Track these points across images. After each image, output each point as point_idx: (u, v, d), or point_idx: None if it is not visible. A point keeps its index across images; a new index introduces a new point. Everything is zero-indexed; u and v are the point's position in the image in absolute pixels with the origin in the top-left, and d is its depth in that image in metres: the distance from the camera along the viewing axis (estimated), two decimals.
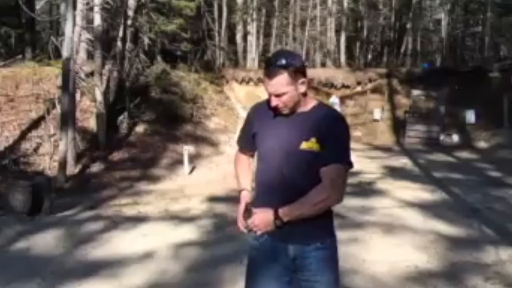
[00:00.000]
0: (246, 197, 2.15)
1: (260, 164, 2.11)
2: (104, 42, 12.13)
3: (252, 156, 2.29)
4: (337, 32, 26.67)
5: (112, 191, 9.00)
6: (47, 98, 11.51)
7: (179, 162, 10.92)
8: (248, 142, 2.20)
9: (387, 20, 29.56)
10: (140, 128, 12.62)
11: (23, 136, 10.46)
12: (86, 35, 12.07)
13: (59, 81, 10.70)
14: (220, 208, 6.82)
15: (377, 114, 17.54)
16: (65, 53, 9.62)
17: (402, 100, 18.63)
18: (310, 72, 21.99)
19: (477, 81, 16.99)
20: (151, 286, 4.00)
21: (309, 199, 1.96)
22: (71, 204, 7.72)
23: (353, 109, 18.50)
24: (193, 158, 11.16)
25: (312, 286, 2.05)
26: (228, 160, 11.75)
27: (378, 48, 32.72)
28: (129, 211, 6.94)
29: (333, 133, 1.98)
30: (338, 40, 26.63)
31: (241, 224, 2.09)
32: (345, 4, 26.91)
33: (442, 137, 15.84)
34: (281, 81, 1.93)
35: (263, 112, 2.11)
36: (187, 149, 10.77)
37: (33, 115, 11.10)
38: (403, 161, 11.93)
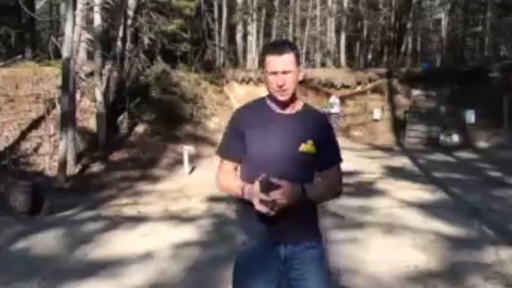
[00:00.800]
0: (255, 182, 1.95)
1: (252, 169, 2.01)
2: (104, 42, 12.13)
3: (239, 164, 2.14)
4: (337, 32, 26.66)
5: (112, 191, 9.00)
6: (47, 98, 11.50)
7: (179, 162, 10.92)
8: (237, 148, 2.07)
9: (387, 20, 29.53)
10: (140, 128, 12.62)
11: (23, 136, 10.45)
12: (86, 35, 12.07)
13: (59, 81, 10.69)
14: (220, 208, 6.82)
15: (377, 114, 17.53)
16: (65, 53, 9.61)
17: (402, 100, 18.61)
18: (310, 72, 22.07)
19: (477, 81, 16.98)
20: (151, 286, 4.00)
21: (330, 186, 2.12)
22: (71, 204, 7.72)
23: (353, 109, 18.48)
24: (193, 158, 11.15)
25: (303, 285, 2.06)
26: None
27: (378, 48, 32.71)
28: (129, 211, 6.95)
29: (328, 136, 2.12)
30: (338, 40, 26.62)
31: (259, 200, 1.90)
32: (345, 4, 26.90)
33: (442, 137, 15.83)
34: (290, 58, 1.99)
35: (252, 115, 2.08)
36: (187, 149, 10.77)
37: (33, 115, 11.10)
38: (403, 161, 11.92)
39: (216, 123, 14.92)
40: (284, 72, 1.97)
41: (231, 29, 22.64)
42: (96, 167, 10.29)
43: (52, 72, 12.27)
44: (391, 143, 16.17)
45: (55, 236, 5.50)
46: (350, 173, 8.61)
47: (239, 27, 22.44)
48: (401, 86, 19.39)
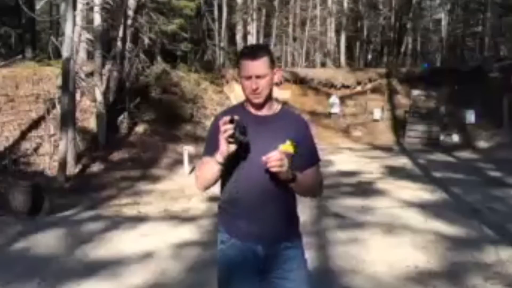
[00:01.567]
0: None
1: (233, 171, 2.05)
2: (104, 42, 12.13)
3: None
4: (337, 32, 26.66)
5: (112, 191, 8.99)
6: (47, 98, 11.50)
7: (179, 162, 10.92)
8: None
9: (387, 20, 29.54)
10: (140, 128, 12.62)
11: (23, 136, 10.45)
12: (86, 35, 12.06)
13: (59, 81, 10.69)
14: None
15: (377, 114, 17.53)
16: (65, 53, 9.61)
17: (402, 100, 18.62)
18: (310, 72, 22.07)
19: (477, 81, 16.99)
20: (151, 286, 4.00)
21: (313, 181, 2.12)
22: (71, 204, 7.72)
23: (353, 109, 18.49)
24: (193, 158, 11.14)
25: (283, 285, 2.08)
26: None
27: (378, 48, 32.72)
28: (129, 211, 6.95)
29: (306, 137, 2.14)
30: (338, 40, 26.62)
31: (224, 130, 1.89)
32: (345, 4, 26.90)
33: (442, 137, 15.83)
34: (264, 62, 2.02)
35: None
36: (187, 149, 10.77)
37: (33, 115, 11.09)
38: (403, 161, 11.92)
39: None
40: (258, 77, 2.01)
41: (231, 29, 22.63)
42: (96, 167, 10.29)
43: (52, 72, 12.26)
44: (391, 143, 16.18)
45: (55, 236, 5.50)
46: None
47: (239, 27, 22.44)
48: (401, 86, 19.40)
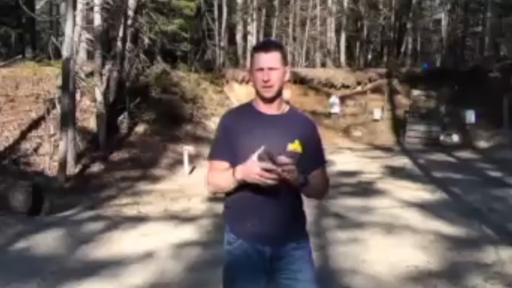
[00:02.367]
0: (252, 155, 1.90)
1: None
2: (104, 42, 12.13)
3: (229, 167, 2.07)
4: (337, 32, 26.65)
5: (112, 191, 9.00)
6: (47, 98, 11.50)
7: (179, 162, 10.92)
8: (229, 153, 2.05)
9: (387, 20, 29.53)
10: (140, 128, 12.62)
11: (23, 136, 10.45)
12: (86, 35, 12.06)
13: (59, 81, 10.69)
14: (220, 208, 6.74)
15: (377, 114, 17.54)
16: (65, 53, 9.61)
17: (402, 100, 18.63)
18: (310, 72, 22.08)
19: (477, 81, 16.99)
20: (151, 286, 4.00)
21: (321, 183, 2.14)
22: (71, 204, 7.72)
23: (353, 109, 18.49)
24: (193, 158, 11.15)
25: (291, 285, 2.07)
26: None
27: (378, 48, 32.72)
28: (129, 211, 6.95)
29: (314, 138, 2.15)
30: (338, 40, 26.62)
31: (259, 170, 1.84)
32: (345, 4, 26.89)
33: (442, 137, 15.84)
34: (277, 56, 2.03)
35: (239, 118, 2.12)
36: (187, 149, 10.77)
37: (33, 115, 11.10)
38: (403, 161, 11.92)
39: (216, 123, 14.88)
40: (270, 69, 2.00)
41: (231, 29, 22.62)
42: (96, 167, 10.29)
43: (52, 72, 12.25)
44: (391, 143, 16.18)
45: (55, 236, 5.50)
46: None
47: (239, 27, 22.43)
48: (401, 86, 19.40)
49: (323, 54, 26.21)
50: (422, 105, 17.52)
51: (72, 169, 9.72)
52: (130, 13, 13.02)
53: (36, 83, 12.14)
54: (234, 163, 2.02)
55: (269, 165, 1.83)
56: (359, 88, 19.97)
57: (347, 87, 19.96)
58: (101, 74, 11.48)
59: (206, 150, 12.61)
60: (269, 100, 2.06)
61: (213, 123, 14.85)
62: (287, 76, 2.07)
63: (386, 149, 14.62)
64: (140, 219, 6.36)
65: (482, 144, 15.07)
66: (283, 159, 1.88)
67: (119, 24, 12.52)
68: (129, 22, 12.99)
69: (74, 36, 9.98)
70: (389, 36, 29.54)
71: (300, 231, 2.16)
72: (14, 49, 19.14)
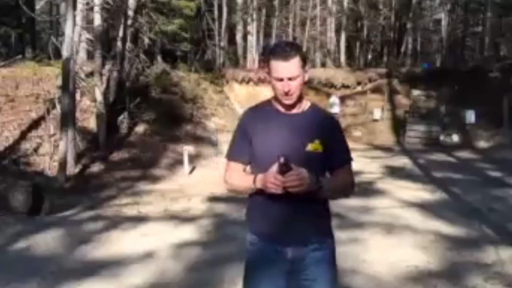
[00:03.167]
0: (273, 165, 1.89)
1: (260, 172, 1.99)
2: (104, 42, 12.13)
3: (246, 166, 2.10)
4: (337, 32, 26.64)
5: (112, 191, 9.00)
6: (47, 98, 11.50)
7: (179, 162, 10.92)
8: (244, 151, 2.04)
9: (387, 20, 29.52)
10: (140, 128, 12.62)
11: (23, 136, 10.45)
12: (86, 35, 12.07)
13: (59, 81, 10.69)
14: (220, 208, 6.82)
15: (377, 114, 17.53)
16: (65, 53, 9.62)
17: (402, 100, 18.62)
18: (310, 72, 22.17)
19: (477, 81, 16.98)
20: (151, 286, 4.00)
21: (343, 182, 2.06)
22: (71, 204, 7.73)
23: (353, 109, 18.48)
24: (193, 158, 11.16)
25: (309, 286, 2.05)
26: None
27: (378, 48, 32.71)
28: (129, 211, 6.95)
29: (336, 135, 2.08)
30: (338, 40, 26.61)
31: (272, 181, 1.85)
32: (345, 4, 26.88)
33: (442, 137, 15.84)
34: (296, 63, 1.95)
35: (258, 116, 2.07)
36: (187, 149, 10.77)
37: (33, 115, 11.10)
38: (403, 161, 11.93)
39: (216, 123, 14.92)
40: (290, 79, 1.95)
41: (231, 29, 22.62)
42: (96, 167, 10.29)
43: (52, 72, 12.26)
44: (391, 143, 16.18)
45: (55, 236, 5.50)
46: None
47: (239, 27, 22.43)
48: (401, 86, 19.39)
49: (323, 54, 26.20)
50: (422, 105, 17.52)
51: (72, 169, 9.72)
52: (130, 13, 13.03)
53: (36, 83, 12.14)
54: (252, 162, 2.03)
55: (277, 179, 1.84)
56: (359, 88, 19.96)
57: (347, 87, 19.95)
58: (101, 74, 11.48)
59: (206, 150, 12.70)
60: (290, 106, 2.03)
61: (213, 123, 14.86)
62: (307, 76, 2.02)
63: (386, 149, 14.62)
64: (140, 219, 6.35)
65: (482, 144, 15.07)
66: (287, 177, 1.84)
67: (119, 24, 12.52)
68: (129, 22, 13.00)
69: (74, 36, 9.99)
70: (389, 36, 29.53)
71: (322, 232, 2.10)
72: (14, 49, 19.14)
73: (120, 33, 12.43)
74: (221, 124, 14.97)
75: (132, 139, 12.15)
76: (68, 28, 9.66)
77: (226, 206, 6.80)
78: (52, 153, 10.09)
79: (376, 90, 19.47)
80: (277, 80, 1.95)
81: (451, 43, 29.89)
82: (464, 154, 13.45)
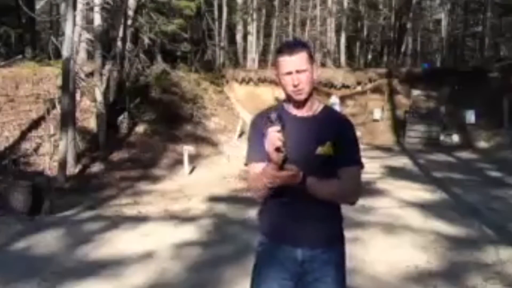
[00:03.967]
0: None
1: None
2: (104, 42, 12.12)
3: None
4: (337, 32, 26.65)
5: (112, 191, 9.00)
6: (47, 98, 11.49)
7: (179, 162, 10.92)
8: (261, 153, 1.97)
9: (387, 20, 29.54)
10: (140, 128, 12.61)
11: (23, 136, 10.44)
12: (86, 35, 12.06)
13: (59, 81, 10.69)
14: (220, 208, 6.83)
15: (377, 114, 17.54)
16: (65, 53, 9.61)
17: (402, 100, 18.63)
18: None
19: (477, 81, 16.98)
20: (151, 286, 4.00)
21: (339, 186, 2.00)
22: (71, 204, 7.72)
23: (353, 109, 18.48)
24: (193, 158, 11.15)
25: (318, 287, 2.04)
26: (228, 160, 11.76)
27: (378, 48, 32.72)
28: (129, 211, 6.95)
29: (348, 138, 2.05)
30: (338, 40, 26.62)
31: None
32: (345, 4, 26.90)
33: (442, 137, 15.84)
34: (303, 57, 1.95)
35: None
36: (187, 149, 10.77)
37: (33, 115, 11.09)
38: (403, 161, 11.93)
39: (216, 123, 14.92)
40: (298, 71, 1.94)
41: (231, 29, 22.63)
42: (96, 167, 10.28)
43: (52, 72, 12.25)
44: (391, 143, 16.18)
45: (55, 236, 5.50)
46: None
47: (239, 27, 22.44)
48: (401, 86, 19.40)
49: (323, 54, 26.20)
50: (422, 105, 17.53)
51: (72, 169, 9.71)
52: (130, 13, 13.03)
53: (36, 83, 12.13)
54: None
55: (269, 172, 1.87)
56: (359, 88, 19.97)
57: (347, 87, 19.96)
58: (101, 74, 11.48)
59: (206, 150, 12.70)
60: (301, 103, 2.01)
61: (213, 123, 14.86)
62: (316, 74, 2.01)
63: (386, 149, 14.62)
64: (140, 219, 6.36)
65: (482, 144, 15.06)
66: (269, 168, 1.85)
67: (119, 24, 12.51)
68: (129, 22, 13.00)
69: (74, 36, 9.98)
70: (389, 36, 29.55)
71: (332, 234, 2.11)
72: (14, 49, 19.10)
73: (120, 33, 12.43)
74: (221, 124, 14.98)
75: (132, 139, 12.15)
76: (68, 28, 9.66)
77: (226, 206, 6.80)
78: (52, 153, 10.08)
79: (376, 90, 19.48)
80: (286, 74, 1.95)
81: (451, 43, 29.92)
82: (464, 154, 13.45)
